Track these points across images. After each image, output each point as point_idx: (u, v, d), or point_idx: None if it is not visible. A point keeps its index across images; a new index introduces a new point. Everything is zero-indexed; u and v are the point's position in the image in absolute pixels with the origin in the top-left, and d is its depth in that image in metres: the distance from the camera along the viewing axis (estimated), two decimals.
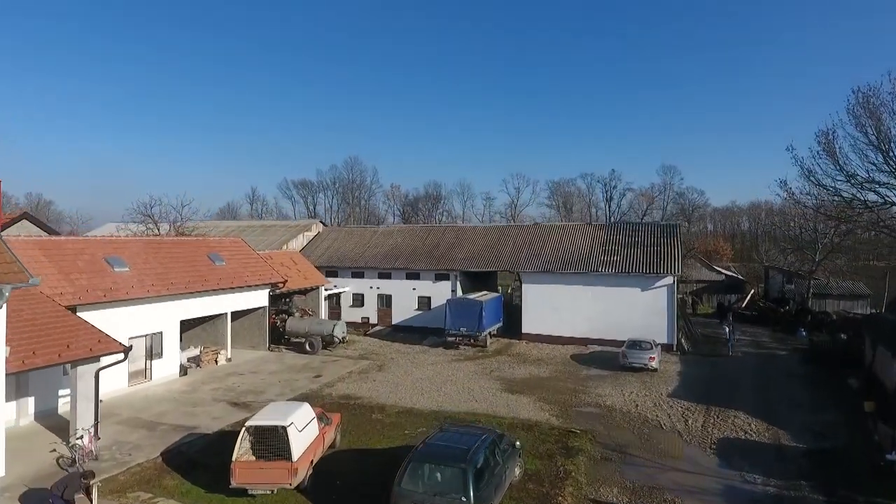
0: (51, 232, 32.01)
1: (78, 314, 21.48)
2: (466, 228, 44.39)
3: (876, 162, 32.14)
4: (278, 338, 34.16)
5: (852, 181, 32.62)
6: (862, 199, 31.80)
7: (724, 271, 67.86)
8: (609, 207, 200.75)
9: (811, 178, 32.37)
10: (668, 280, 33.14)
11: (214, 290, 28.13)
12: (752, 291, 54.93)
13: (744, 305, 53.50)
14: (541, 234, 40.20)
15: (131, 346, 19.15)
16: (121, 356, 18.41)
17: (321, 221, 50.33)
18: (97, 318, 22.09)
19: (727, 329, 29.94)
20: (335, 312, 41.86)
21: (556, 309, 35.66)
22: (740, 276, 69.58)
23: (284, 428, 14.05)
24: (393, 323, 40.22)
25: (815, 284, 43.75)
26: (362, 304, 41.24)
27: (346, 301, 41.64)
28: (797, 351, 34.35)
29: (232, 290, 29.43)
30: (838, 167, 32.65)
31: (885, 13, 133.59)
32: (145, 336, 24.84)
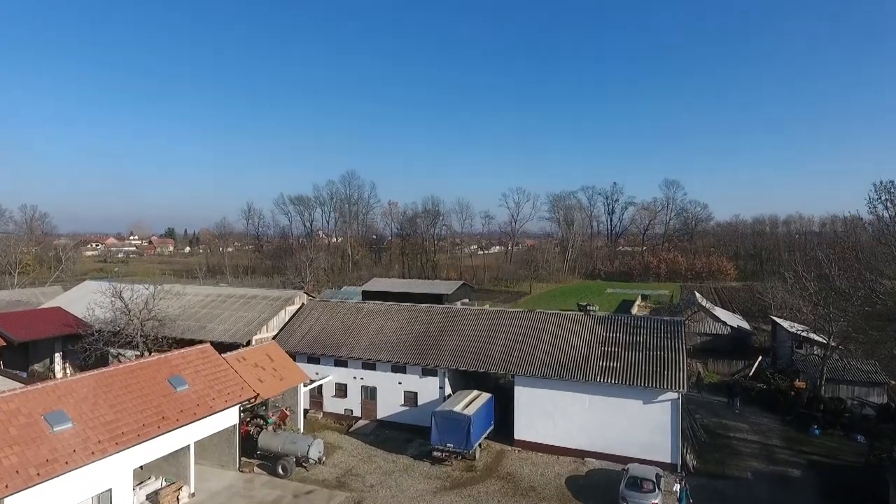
0: None
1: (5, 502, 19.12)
2: (456, 311, 41.64)
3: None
4: (252, 449, 31.64)
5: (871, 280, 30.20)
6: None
7: (729, 322, 65.23)
8: (611, 221, 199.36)
9: (832, 287, 29.80)
10: (673, 395, 30.50)
11: (175, 427, 25.59)
12: (760, 359, 52.19)
13: (751, 374, 50.97)
14: (535, 324, 37.50)
15: None
16: None
17: (305, 292, 47.68)
18: (29, 496, 19.70)
19: (678, 487, 26.79)
20: (317, 402, 39.35)
21: (550, 416, 33.09)
22: (747, 327, 66.97)
23: None
24: (378, 417, 37.64)
25: (829, 368, 40.99)
26: (345, 395, 38.65)
27: (328, 391, 39.08)
28: (812, 468, 31.68)
29: (196, 420, 26.86)
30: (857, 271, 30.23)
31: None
32: (91, 498, 22.36)
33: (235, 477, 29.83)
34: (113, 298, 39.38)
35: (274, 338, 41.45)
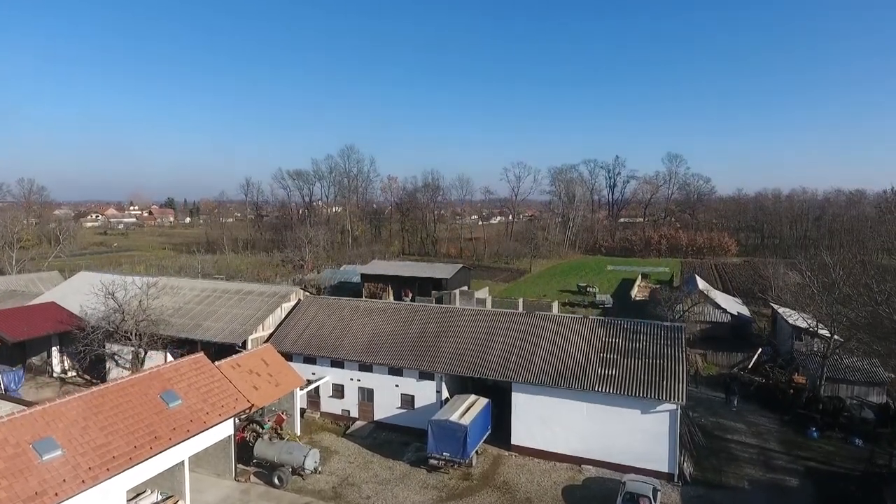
0: None
1: None
2: (454, 311, 41.11)
3: None
4: (249, 455, 31.57)
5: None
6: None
7: (729, 309, 64.78)
8: (612, 195, 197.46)
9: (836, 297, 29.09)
10: (672, 406, 30.19)
11: (168, 447, 25.34)
12: (760, 351, 51.90)
13: (750, 366, 50.77)
14: (534, 327, 36.98)
15: None
16: None
17: (301, 284, 47.05)
18: None
19: None
20: (314, 402, 39.25)
21: (547, 422, 32.91)
22: (747, 314, 66.62)
23: None
24: (375, 419, 37.55)
25: (829, 367, 40.64)
26: (342, 396, 38.51)
27: (325, 391, 38.91)
28: (810, 476, 31.59)
29: (189, 437, 26.62)
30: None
31: None
32: None
33: (232, 487, 29.85)
34: (106, 298, 38.82)
35: (270, 336, 41.11)
